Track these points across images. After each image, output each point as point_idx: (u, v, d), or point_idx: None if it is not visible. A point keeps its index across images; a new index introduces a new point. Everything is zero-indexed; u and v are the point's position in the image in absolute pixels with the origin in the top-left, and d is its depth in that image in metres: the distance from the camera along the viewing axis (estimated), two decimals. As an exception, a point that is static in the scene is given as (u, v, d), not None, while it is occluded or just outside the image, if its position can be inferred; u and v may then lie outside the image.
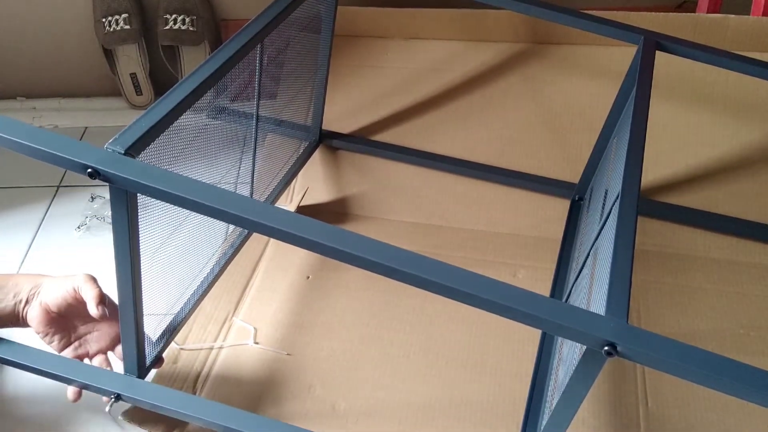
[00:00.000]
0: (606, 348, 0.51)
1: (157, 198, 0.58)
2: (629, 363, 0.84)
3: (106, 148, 0.61)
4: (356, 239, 0.55)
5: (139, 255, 0.67)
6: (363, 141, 1.21)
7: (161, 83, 1.48)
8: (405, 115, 1.23)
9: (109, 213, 1.20)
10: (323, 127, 1.20)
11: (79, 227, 1.20)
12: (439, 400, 0.87)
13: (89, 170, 0.58)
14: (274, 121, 1.04)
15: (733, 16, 1.10)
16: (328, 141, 1.21)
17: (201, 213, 0.57)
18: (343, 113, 1.25)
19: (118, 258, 0.65)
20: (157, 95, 1.47)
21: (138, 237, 0.65)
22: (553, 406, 0.62)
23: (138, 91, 1.45)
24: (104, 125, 1.44)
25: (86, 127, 1.44)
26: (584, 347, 0.53)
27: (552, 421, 0.62)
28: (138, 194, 0.62)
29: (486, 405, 0.86)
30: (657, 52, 0.89)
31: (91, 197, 1.26)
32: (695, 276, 1.00)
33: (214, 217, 0.57)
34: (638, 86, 0.82)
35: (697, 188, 1.09)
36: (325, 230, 0.55)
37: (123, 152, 0.60)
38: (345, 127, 1.24)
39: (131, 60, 1.42)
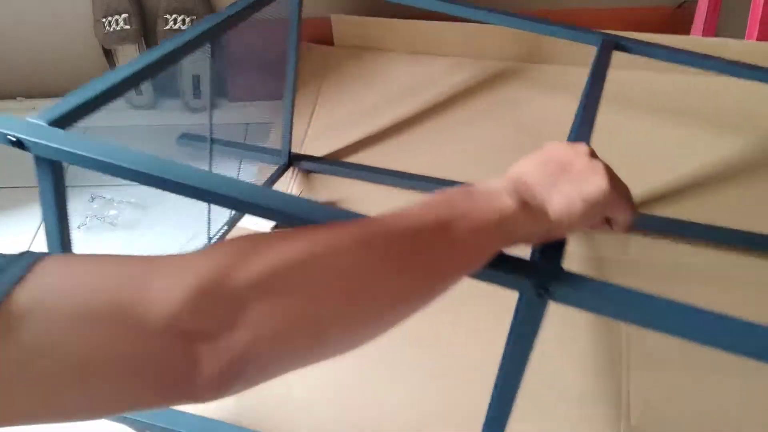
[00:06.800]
0: (539, 291, 0.48)
1: (86, 167, 0.56)
2: (614, 371, 0.84)
3: (28, 119, 0.60)
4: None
5: (68, 228, 0.66)
6: (334, 163, 1.17)
7: (161, 83, 1.48)
8: (385, 134, 1.22)
9: (110, 213, 1.21)
10: (294, 150, 1.17)
11: (78, 227, 1.20)
12: (438, 404, 0.87)
13: (11, 138, 0.56)
14: (233, 144, 1.00)
15: (732, 40, 1.12)
16: (297, 164, 1.17)
17: (138, 182, 0.55)
18: (319, 132, 1.23)
19: (48, 230, 0.64)
20: (157, 95, 1.48)
21: (66, 211, 0.64)
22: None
23: (138, 91, 1.45)
24: (104, 125, 1.44)
25: (86, 127, 1.44)
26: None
27: (502, 374, 0.60)
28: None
29: (485, 409, 0.84)
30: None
31: (91, 197, 1.26)
32: (680, 285, 0.98)
33: (155, 187, 0.54)
34: (590, 83, 0.79)
35: (679, 199, 1.09)
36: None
37: (47, 124, 0.59)
38: (321, 147, 1.21)
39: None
